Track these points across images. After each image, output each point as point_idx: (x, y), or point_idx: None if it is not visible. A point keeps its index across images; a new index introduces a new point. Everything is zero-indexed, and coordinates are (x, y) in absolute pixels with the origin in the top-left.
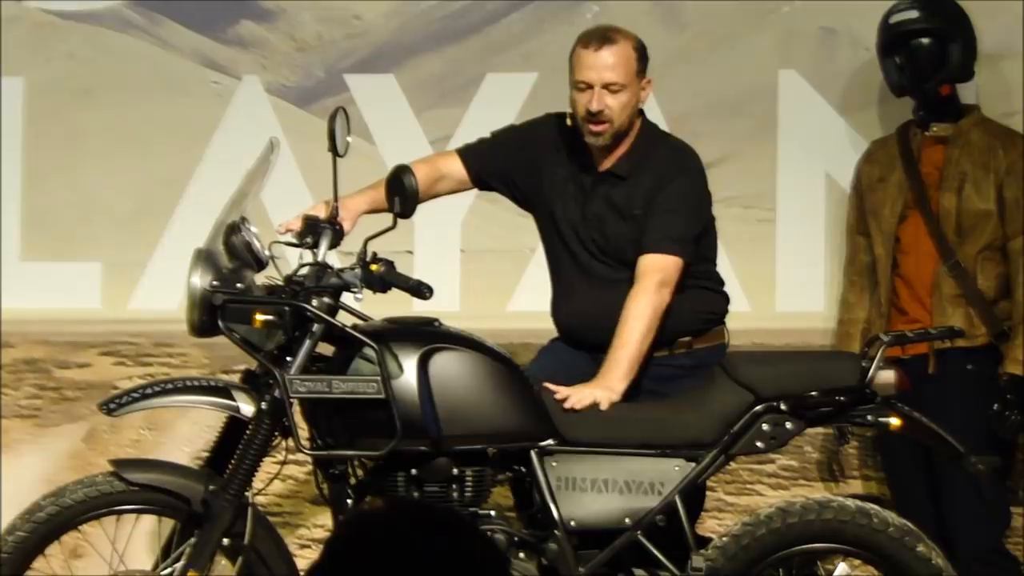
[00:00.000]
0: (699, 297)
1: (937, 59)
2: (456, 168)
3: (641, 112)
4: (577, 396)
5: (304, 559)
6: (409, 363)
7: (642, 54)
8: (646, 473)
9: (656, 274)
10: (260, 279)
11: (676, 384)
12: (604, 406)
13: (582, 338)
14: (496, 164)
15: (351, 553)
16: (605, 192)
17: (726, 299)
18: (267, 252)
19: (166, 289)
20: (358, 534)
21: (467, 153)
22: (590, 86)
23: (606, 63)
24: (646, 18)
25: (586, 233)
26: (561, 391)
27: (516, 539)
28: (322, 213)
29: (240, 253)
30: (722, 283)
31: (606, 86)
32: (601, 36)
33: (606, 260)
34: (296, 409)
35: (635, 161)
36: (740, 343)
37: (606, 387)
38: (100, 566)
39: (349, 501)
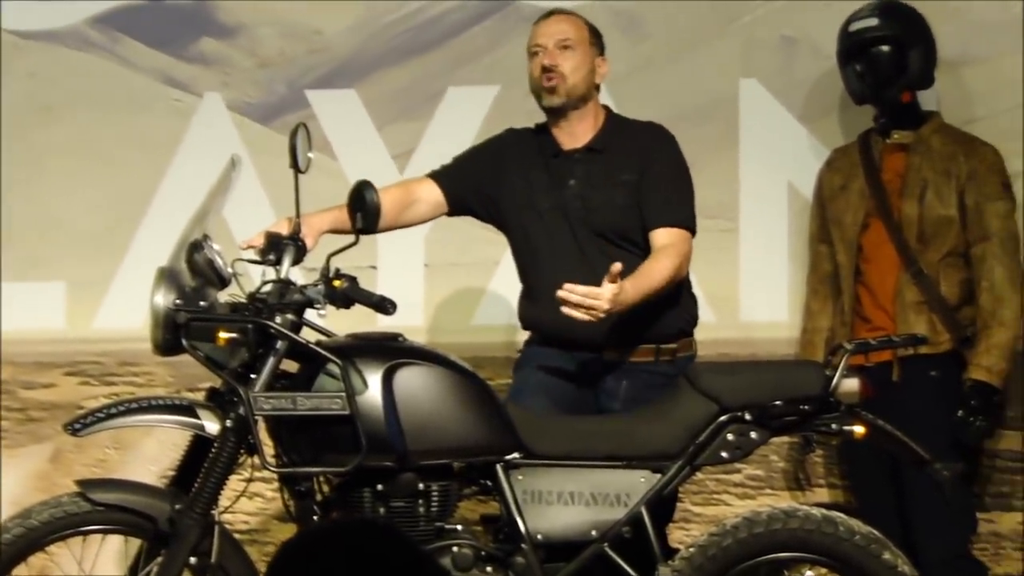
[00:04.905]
0: (683, 299)
1: (897, 66)
2: (430, 190)
3: (607, 107)
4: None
5: None
6: (373, 379)
7: (594, 32)
8: (612, 485)
9: (676, 246)
10: (223, 297)
11: (657, 393)
12: (606, 307)
13: (567, 333)
14: (468, 179)
15: (296, 566)
16: (583, 169)
17: (697, 303)
18: (230, 269)
19: (130, 308)
20: (302, 549)
21: (439, 175)
22: (543, 47)
23: (557, 27)
24: (608, 27)
25: (573, 213)
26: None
27: (483, 553)
28: (284, 230)
29: (203, 271)
30: (691, 286)
31: (558, 43)
32: (552, 10)
33: (595, 236)
34: (261, 426)
35: (610, 136)
36: (704, 353)
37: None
38: None
39: (315, 517)
